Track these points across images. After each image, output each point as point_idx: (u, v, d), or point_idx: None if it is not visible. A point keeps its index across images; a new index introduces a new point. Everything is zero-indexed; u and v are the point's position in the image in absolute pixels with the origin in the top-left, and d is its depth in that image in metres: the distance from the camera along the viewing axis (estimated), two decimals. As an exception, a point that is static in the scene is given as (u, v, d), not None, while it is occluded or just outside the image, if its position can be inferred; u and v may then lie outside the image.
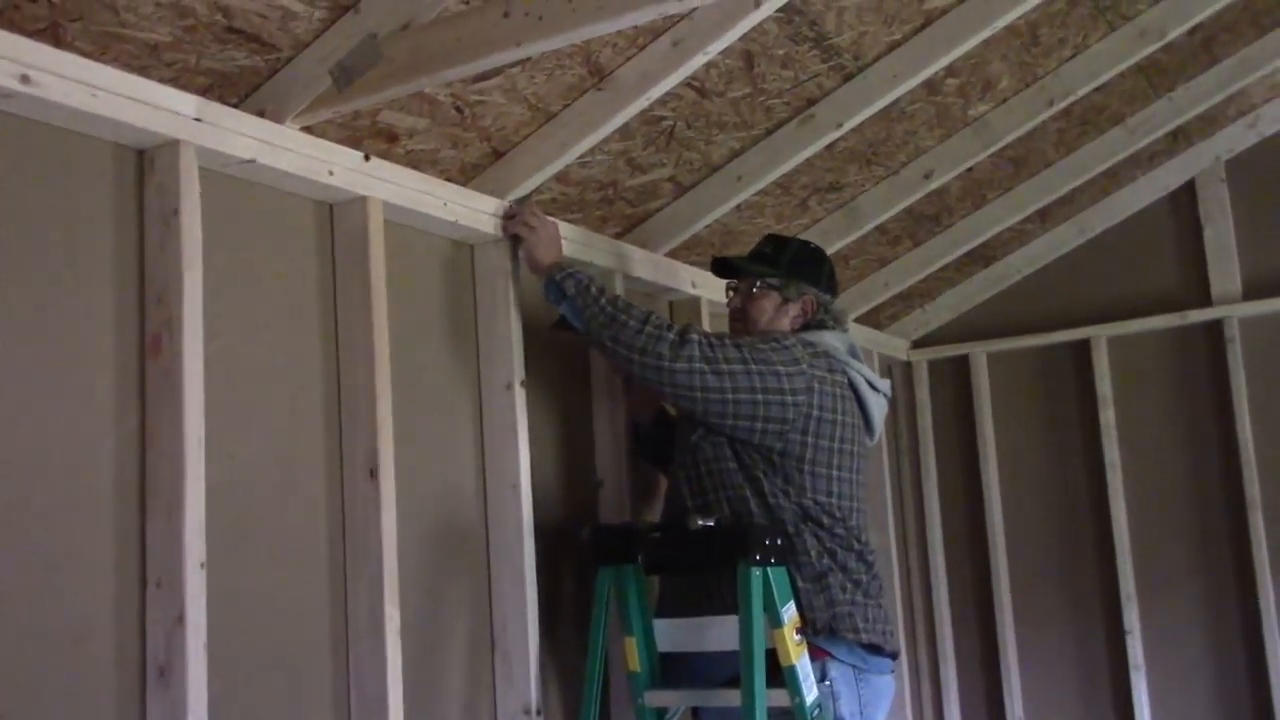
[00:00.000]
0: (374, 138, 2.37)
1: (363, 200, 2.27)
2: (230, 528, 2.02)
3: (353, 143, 2.33)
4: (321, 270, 2.28)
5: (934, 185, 3.43)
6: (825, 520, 2.53)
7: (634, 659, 2.56)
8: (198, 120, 1.96)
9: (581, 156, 2.73)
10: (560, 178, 2.79)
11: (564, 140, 2.55)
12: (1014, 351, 4.47)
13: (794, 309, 2.70)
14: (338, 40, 2.06)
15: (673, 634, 2.57)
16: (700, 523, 2.42)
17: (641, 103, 2.48)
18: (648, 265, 3.09)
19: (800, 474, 2.52)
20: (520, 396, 2.58)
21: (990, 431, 4.47)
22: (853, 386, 2.61)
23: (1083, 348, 4.32)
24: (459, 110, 2.41)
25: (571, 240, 2.83)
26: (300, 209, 2.24)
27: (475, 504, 2.57)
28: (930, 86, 3.06)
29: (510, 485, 2.55)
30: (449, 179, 2.58)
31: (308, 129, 2.20)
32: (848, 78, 2.88)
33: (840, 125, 2.91)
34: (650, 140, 2.80)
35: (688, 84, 2.65)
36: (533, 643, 2.52)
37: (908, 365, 4.63)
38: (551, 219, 2.67)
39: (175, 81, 2.01)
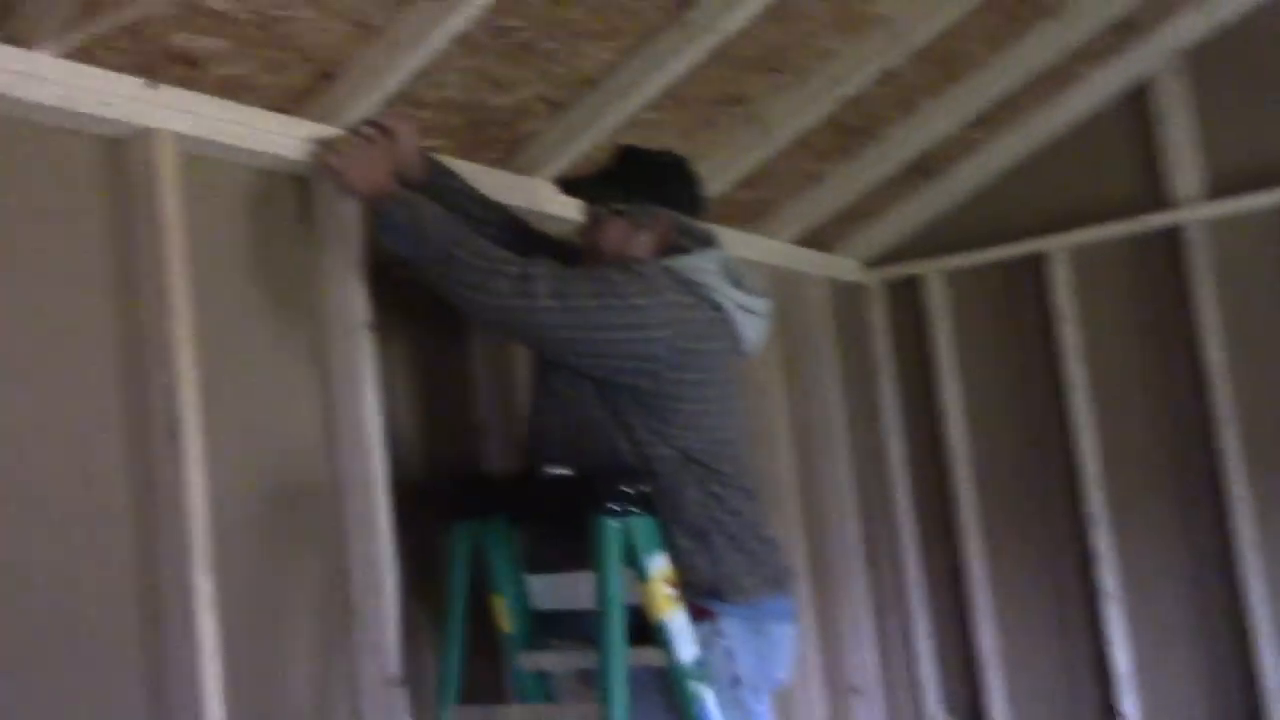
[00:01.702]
0: (170, 63, 2.13)
1: (149, 133, 2.05)
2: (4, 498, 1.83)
3: (145, 70, 2.10)
4: (112, 211, 2.06)
5: (845, 92, 3.17)
6: (709, 460, 2.32)
7: (505, 619, 2.38)
8: (-94, 51, 1.75)
9: (430, 76, 2.49)
10: (413, 100, 2.55)
11: (392, 59, 2.31)
12: (968, 268, 4.21)
13: (647, 235, 2.42)
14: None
15: (546, 591, 2.38)
16: (553, 471, 2.22)
17: (467, 11, 2.24)
18: (526, 192, 2.85)
19: (677, 413, 2.30)
20: (367, 340, 2.37)
21: (949, 353, 4.23)
22: (721, 311, 2.38)
23: (1038, 261, 4.06)
24: (263, 29, 2.17)
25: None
26: (74, 146, 2.01)
27: (322, 460, 2.36)
28: (822, -20, 2.80)
29: (359, 438, 2.34)
30: (276, 107, 2.36)
31: (83, 55, 1.98)
32: (723, -25, 2.62)
33: (714, 29, 2.65)
34: (506, 55, 2.56)
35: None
36: (392, 607, 2.33)
37: (860, 287, 4.38)
38: (376, 142, 2.36)
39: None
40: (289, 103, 2.38)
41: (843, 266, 4.29)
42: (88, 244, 2.03)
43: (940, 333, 4.23)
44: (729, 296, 2.40)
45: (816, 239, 4.09)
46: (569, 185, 2.54)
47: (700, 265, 2.40)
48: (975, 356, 4.21)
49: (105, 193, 2.05)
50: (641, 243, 2.42)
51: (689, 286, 2.33)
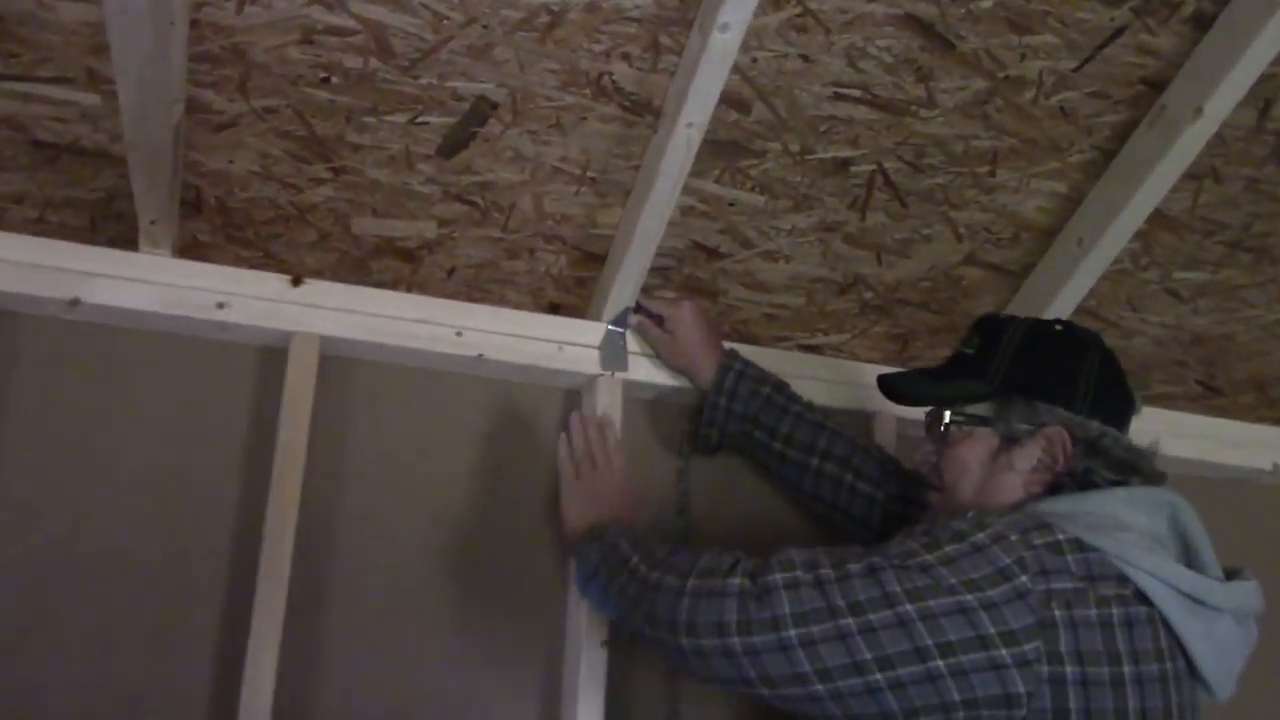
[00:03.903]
0: (380, 258, 1.75)
1: (286, 338, 1.67)
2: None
3: (357, 272, 1.75)
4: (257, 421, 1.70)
5: None
6: None
7: None
8: (-6, 260, 1.58)
9: (753, 245, 1.80)
10: (752, 283, 1.87)
11: (640, 227, 1.68)
12: None
13: (1026, 456, 1.39)
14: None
15: None
16: None
17: (684, 133, 1.55)
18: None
19: None
20: (599, 659, 1.67)
21: None
22: (1149, 606, 1.27)
23: None
24: (467, 202, 1.69)
25: (840, 382, 1.91)
26: (195, 353, 1.68)
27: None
28: None
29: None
30: (551, 303, 1.85)
31: (281, 264, 1.70)
32: (1202, 23, 1.56)
33: (1200, 111, 1.57)
34: (856, 200, 1.76)
35: (839, 95, 1.61)
36: None
37: None
38: (617, 458, 1.71)
39: (66, 226, 1.65)
40: (565, 293, 1.85)
41: None
42: (227, 462, 1.68)
43: None
44: (1168, 577, 1.26)
45: None
46: (888, 384, 1.60)
47: (1118, 516, 1.31)
48: None
49: (252, 404, 1.70)
50: (1013, 473, 1.41)
51: (1082, 557, 1.26)
